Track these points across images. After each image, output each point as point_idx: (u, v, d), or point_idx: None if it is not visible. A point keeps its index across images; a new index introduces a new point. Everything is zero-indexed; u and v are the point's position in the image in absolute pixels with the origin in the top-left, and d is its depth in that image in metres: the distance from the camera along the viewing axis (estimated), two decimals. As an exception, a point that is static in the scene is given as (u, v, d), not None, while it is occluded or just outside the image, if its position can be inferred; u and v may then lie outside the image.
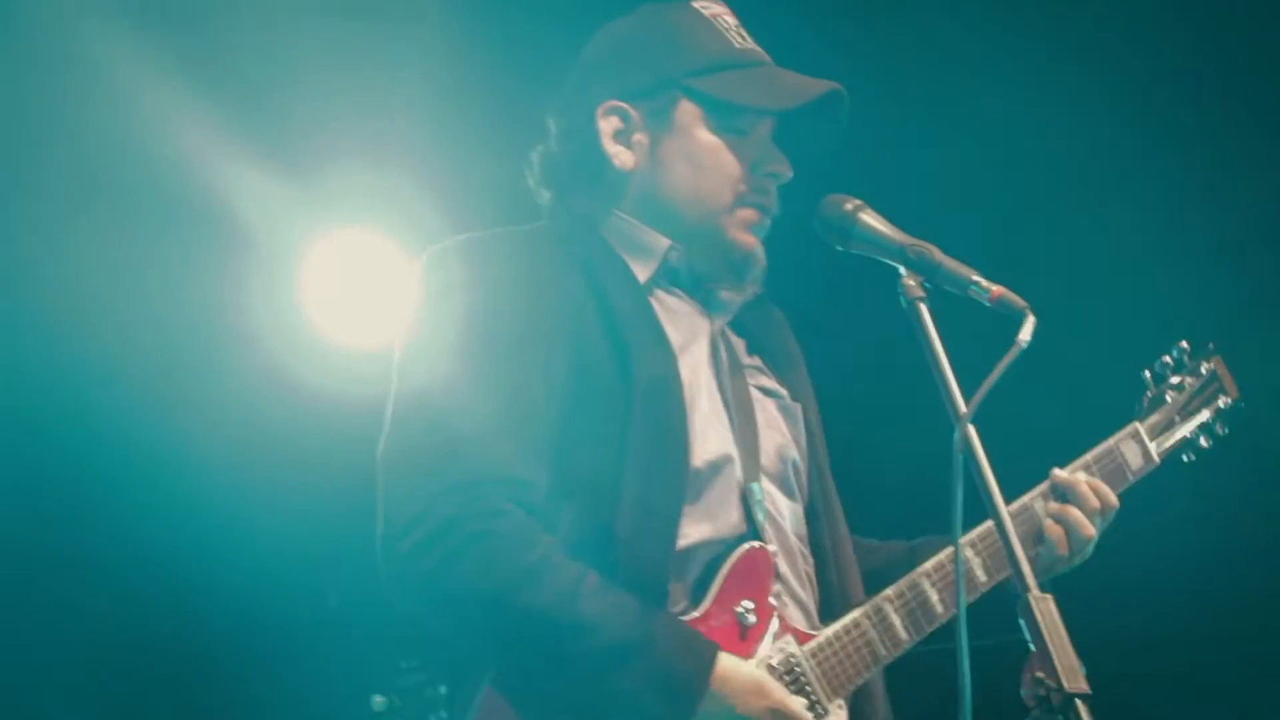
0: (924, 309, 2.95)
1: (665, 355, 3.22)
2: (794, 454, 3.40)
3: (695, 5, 3.46)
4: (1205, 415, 4.04)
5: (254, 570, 5.90)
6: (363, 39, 6.23)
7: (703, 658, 3.00)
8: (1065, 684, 2.69)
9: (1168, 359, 4.03)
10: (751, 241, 3.35)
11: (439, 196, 5.91)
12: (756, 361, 3.48)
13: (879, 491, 4.05)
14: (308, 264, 5.75)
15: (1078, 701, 2.69)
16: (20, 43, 5.78)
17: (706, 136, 3.33)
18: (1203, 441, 4.02)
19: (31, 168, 5.73)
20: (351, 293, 5.66)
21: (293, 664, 6.18)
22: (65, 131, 5.72)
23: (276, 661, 6.15)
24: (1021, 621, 2.77)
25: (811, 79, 3.42)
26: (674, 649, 3.00)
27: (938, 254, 3.04)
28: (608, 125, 3.34)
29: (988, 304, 2.97)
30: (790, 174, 3.41)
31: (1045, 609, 2.71)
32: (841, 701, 3.22)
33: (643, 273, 3.31)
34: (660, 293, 3.33)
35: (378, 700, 5.32)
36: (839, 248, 3.15)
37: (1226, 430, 4.07)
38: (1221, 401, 4.05)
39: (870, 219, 3.09)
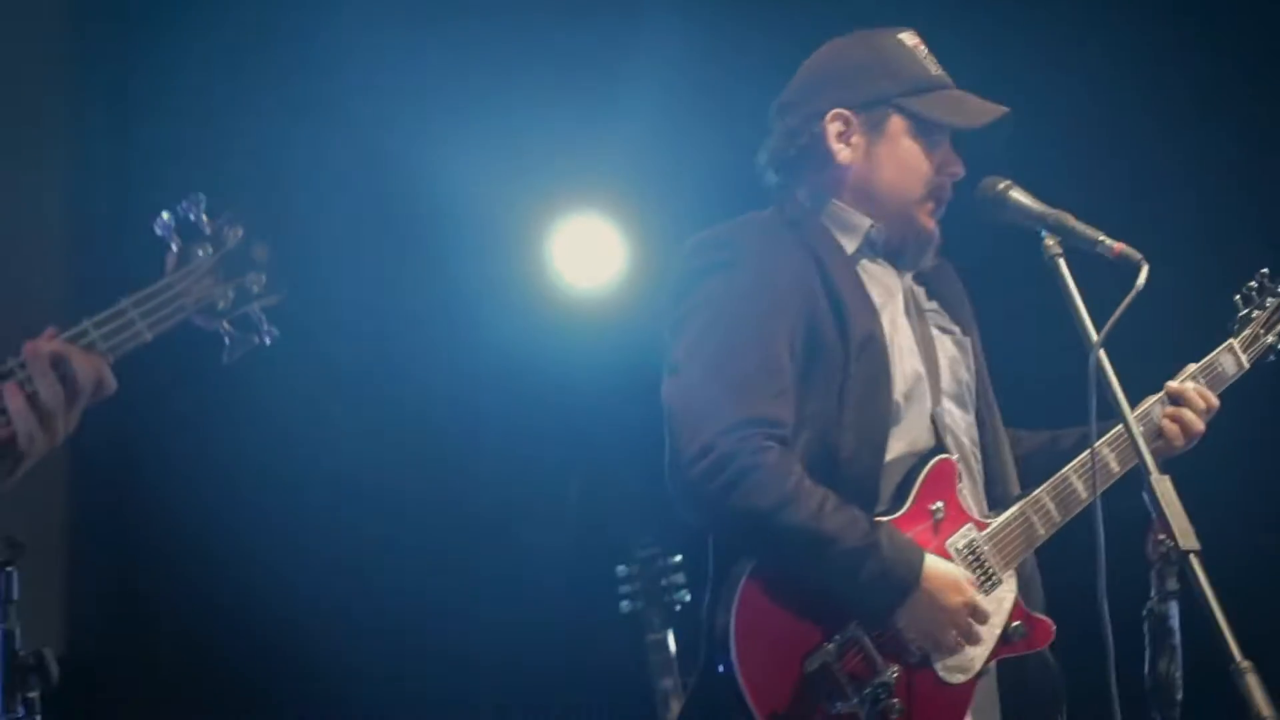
0: (1062, 264, 3.63)
1: (871, 314, 3.88)
2: (966, 376, 4.03)
3: (899, 36, 4.08)
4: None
5: (519, 467, 6.56)
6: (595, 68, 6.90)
7: (913, 562, 3.71)
8: (1181, 543, 3.28)
9: (1253, 284, 4.55)
10: (932, 225, 3.99)
11: (651, 191, 6.71)
12: (934, 305, 4.08)
13: (1029, 399, 4.70)
14: (558, 239, 6.69)
15: (1191, 556, 3.28)
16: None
17: (909, 144, 3.97)
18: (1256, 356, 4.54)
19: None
20: (587, 261, 6.71)
21: (554, 544, 6.73)
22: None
23: (540, 541, 6.70)
24: (1146, 497, 3.36)
25: (988, 103, 4.04)
26: (893, 554, 3.71)
27: (1071, 219, 3.71)
28: (833, 128, 3.95)
29: (1111, 258, 3.64)
30: (964, 173, 4.02)
31: (1164, 487, 3.33)
32: (1011, 572, 3.89)
33: (850, 246, 3.94)
34: (864, 261, 3.95)
35: (621, 569, 5.86)
36: (991, 218, 3.84)
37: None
38: None
39: (1019, 194, 3.80)
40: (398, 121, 6.63)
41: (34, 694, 4.07)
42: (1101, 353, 3.51)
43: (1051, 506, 3.96)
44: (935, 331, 4.04)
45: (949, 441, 3.92)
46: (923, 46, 4.08)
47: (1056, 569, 4.08)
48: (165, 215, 2.98)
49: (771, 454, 3.66)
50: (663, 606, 5.76)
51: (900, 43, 4.06)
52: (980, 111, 3.98)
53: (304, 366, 6.10)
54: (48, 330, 2.83)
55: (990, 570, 3.84)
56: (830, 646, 3.66)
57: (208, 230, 2.97)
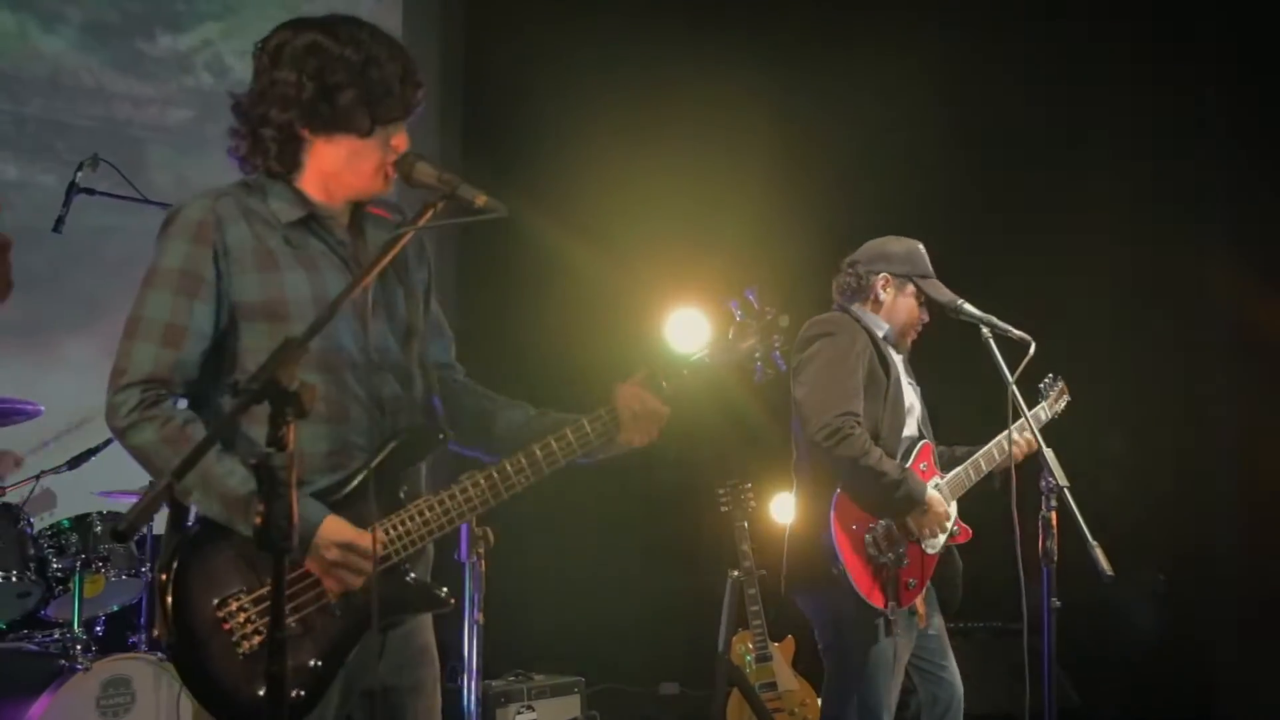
0: (992, 343, 5.42)
1: (895, 368, 5.57)
2: (919, 406, 5.72)
3: (918, 244, 5.75)
4: (1062, 404, 6.12)
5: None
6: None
7: (924, 488, 5.40)
8: (1059, 480, 5.04)
9: (1046, 381, 6.11)
10: (910, 341, 5.75)
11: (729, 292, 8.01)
12: (907, 370, 5.72)
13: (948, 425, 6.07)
14: (670, 319, 8.10)
15: (1064, 489, 5.00)
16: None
17: (912, 300, 5.71)
18: (1053, 414, 6.03)
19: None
20: (687, 334, 7.96)
21: (682, 480, 9.04)
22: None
23: (676, 478, 9.11)
24: (1040, 458, 5.14)
25: (948, 290, 5.68)
26: (914, 485, 5.37)
27: (996, 320, 5.46)
28: (881, 281, 5.67)
29: (1016, 340, 5.39)
30: (928, 320, 5.74)
31: (1050, 453, 5.12)
32: (954, 501, 5.58)
33: (880, 334, 5.60)
34: (887, 346, 5.62)
35: (720, 490, 7.72)
36: (955, 318, 5.60)
37: (1062, 410, 6.09)
38: (1066, 398, 6.14)
39: (970, 306, 5.54)
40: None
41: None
42: (1013, 387, 5.30)
43: (971, 471, 5.70)
44: (911, 383, 5.77)
45: (924, 433, 5.69)
46: (924, 249, 5.79)
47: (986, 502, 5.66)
48: (737, 300, 3.91)
49: (859, 429, 5.32)
50: (742, 508, 7.65)
51: (918, 247, 5.79)
52: (947, 292, 5.70)
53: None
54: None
55: (946, 499, 5.54)
56: (878, 527, 5.40)
57: (758, 308, 3.96)
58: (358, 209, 3.75)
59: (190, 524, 3.50)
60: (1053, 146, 9.07)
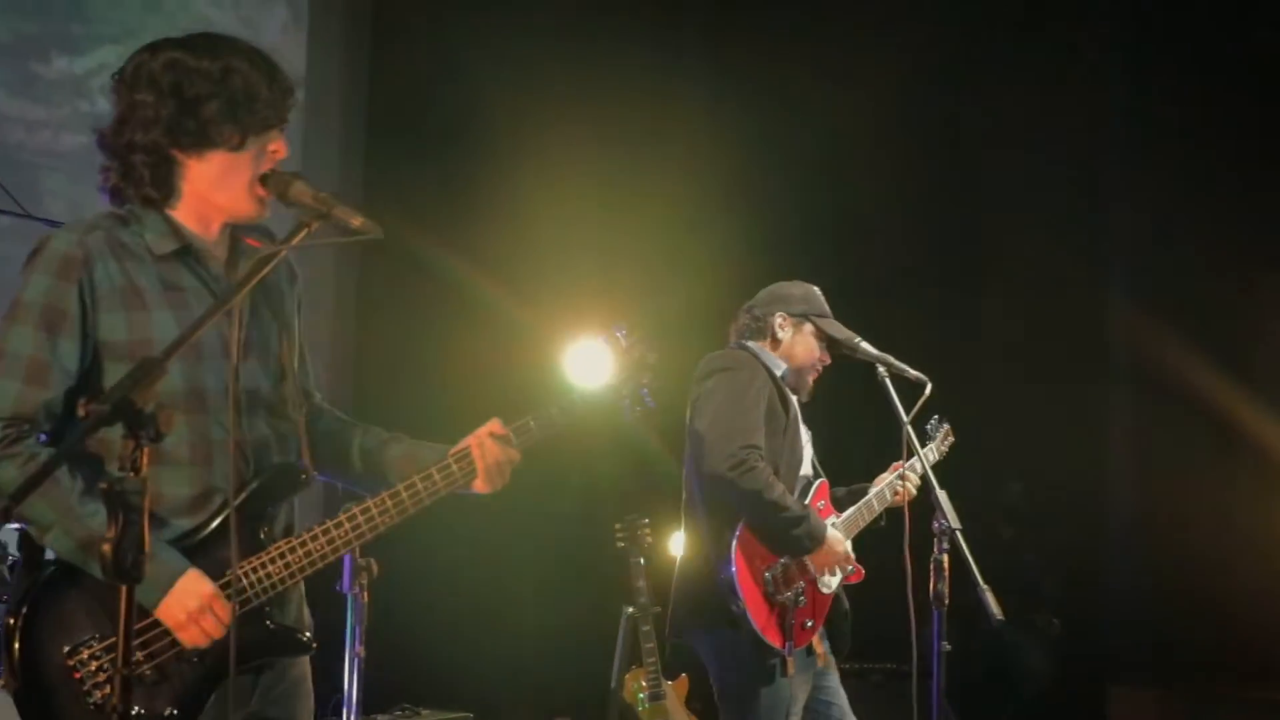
0: (888, 381, 5.43)
1: (796, 414, 5.59)
2: (810, 448, 5.73)
3: (815, 288, 5.76)
4: (947, 446, 6.16)
5: (557, 483, 8.07)
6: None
7: (825, 526, 5.41)
8: (951, 522, 5.03)
9: (931, 423, 6.11)
10: (811, 384, 5.74)
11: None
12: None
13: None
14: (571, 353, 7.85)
15: (956, 531, 4.99)
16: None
17: (811, 339, 5.70)
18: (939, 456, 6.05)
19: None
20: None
21: (580, 513, 9.01)
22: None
23: (576, 511, 8.74)
24: (933, 499, 5.10)
25: (844, 327, 5.68)
26: (815, 523, 5.38)
27: (891, 358, 5.48)
28: (778, 321, 5.67)
29: (912, 380, 5.44)
30: (830, 362, 5.74)
31: (943, 495, 5.10)
32: (849, 540, 5.58)
33: (779, 373, 5.55)
34: (785, 386, 5.60)
35: (616, 525, 7.44)
36: (850, 356, 5.62)
37: (946, 452, 6.12)
38: (951, 439, 6.19)
39: (866, 344, 5.56)
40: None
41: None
42: (909, 427, 5.38)
43: (865, 511, 5.72)
44: (803, 426, 5.74)
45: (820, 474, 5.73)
46: (820, 294, 5.81)
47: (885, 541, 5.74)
48: (600, 337, 3.91)
49: (763, 462, 5.29)
50: (638, 545, 7.47)
51: (814, 289, 5.82)
52: (844, 330, 5.72)
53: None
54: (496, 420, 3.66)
55: (842, 538, 5.55)
56: (778, 565, 5.37)
57: (625, 345, 3.92)
58: (236, 241, 3.62)
59: (46, 565, 3.39)
60: (952, 188, 9.19)
